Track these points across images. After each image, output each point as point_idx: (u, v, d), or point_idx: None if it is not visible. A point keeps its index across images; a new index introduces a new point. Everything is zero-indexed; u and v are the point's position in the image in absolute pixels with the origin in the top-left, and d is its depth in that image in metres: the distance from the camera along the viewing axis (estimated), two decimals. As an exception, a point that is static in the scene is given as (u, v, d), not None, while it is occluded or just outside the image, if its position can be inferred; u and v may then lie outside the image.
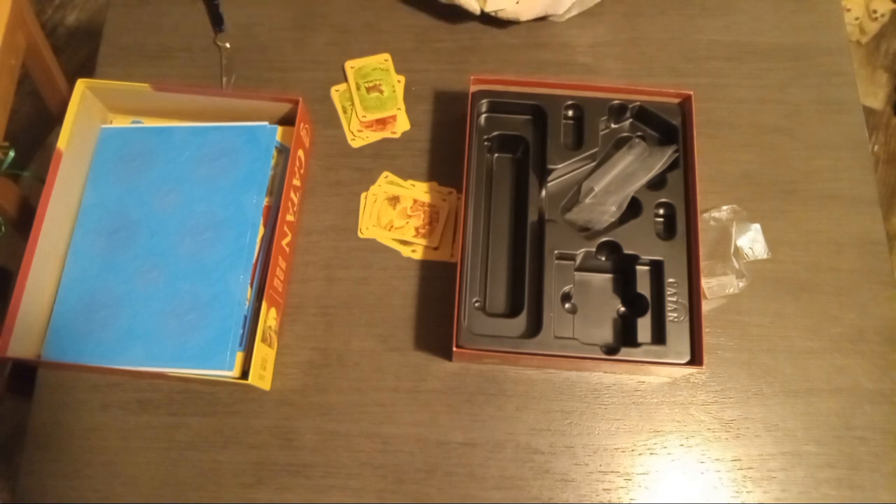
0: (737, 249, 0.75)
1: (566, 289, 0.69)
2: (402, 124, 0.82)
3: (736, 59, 0.85)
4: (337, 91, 0.83)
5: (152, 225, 0.73)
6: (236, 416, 0.71)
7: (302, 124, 0.74)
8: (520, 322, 0.67)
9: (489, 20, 0.85)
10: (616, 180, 0.71)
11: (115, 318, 0.69)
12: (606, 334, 0.71)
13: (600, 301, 0.72)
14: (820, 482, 0.69)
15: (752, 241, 0.76)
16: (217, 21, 0.86)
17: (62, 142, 0.71)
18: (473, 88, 0.74)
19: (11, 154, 0.84)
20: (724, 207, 0.77)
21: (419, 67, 0.84)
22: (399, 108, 0.82)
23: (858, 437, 0.71)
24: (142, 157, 0.76)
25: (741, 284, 0.74)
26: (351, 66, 0.84)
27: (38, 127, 1.38)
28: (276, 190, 0.75)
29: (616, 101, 0.73)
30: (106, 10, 0.87)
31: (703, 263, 0.73)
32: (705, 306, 0.73)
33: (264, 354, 0.68)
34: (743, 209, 0.77)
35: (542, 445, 0.70)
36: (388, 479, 0.69)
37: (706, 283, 0.73)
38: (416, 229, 0.77)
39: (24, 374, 0.90)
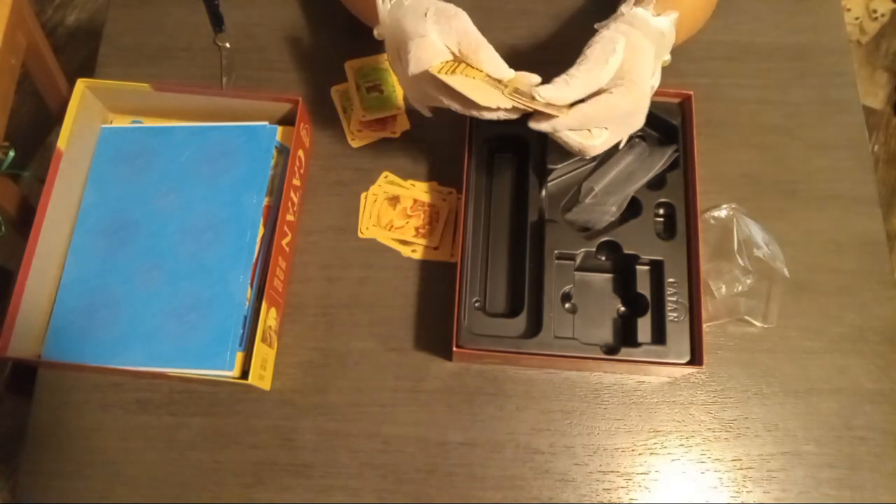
0: (740, 247, 0.74)
1: (566, 289, 0.69)
2: (402, 124, 0.82)
3: (736, 59, 0.85)
4: (337, 91, 0.83)
5: (152, 225, 0.73)
6: (236, 416, 0.71)
7: (302, 124, 0.74)
8: (520, 322, 0.67)
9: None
10: (616, 180, 0.71)
11: (115, 318, 0.69)
12: (606, 334, 0.71)
13: (600, 301, 0.72)
14: (820, 482, 0.69)
15: (753, 239, 0.76)
16: (217, 21, 0.86)
17: (62, 142, 0.71)
18: (473, 88, 0.74)
19: (11, 154, 0.84)
20: (724, 206, 0.77)
21: (419, 67, 0.84)
22: (399, 108, 0.82)
23: (858, 437, 0.71)
24: (142, 157, 0.76)
25: (748, 281, 0.73)
26: (351, 66, 0.84)
27: (38, 127, 1.38)
28: (276, 190, 0.74)
29: (616, 101, 0.73)
30: (106, 10, 0.87)
31: (708, 264, 0.73)
32: (722, 314, 0.73)
33: (264, 354, 0.68)
34: (743, 208, 0.77)
35: (542, 445, 0.70)
36: (388, 479, 0.69)
37: (715, 286, 0.73)
38: (416, 229, 0.77)
39: (24, 374, 0.90)
